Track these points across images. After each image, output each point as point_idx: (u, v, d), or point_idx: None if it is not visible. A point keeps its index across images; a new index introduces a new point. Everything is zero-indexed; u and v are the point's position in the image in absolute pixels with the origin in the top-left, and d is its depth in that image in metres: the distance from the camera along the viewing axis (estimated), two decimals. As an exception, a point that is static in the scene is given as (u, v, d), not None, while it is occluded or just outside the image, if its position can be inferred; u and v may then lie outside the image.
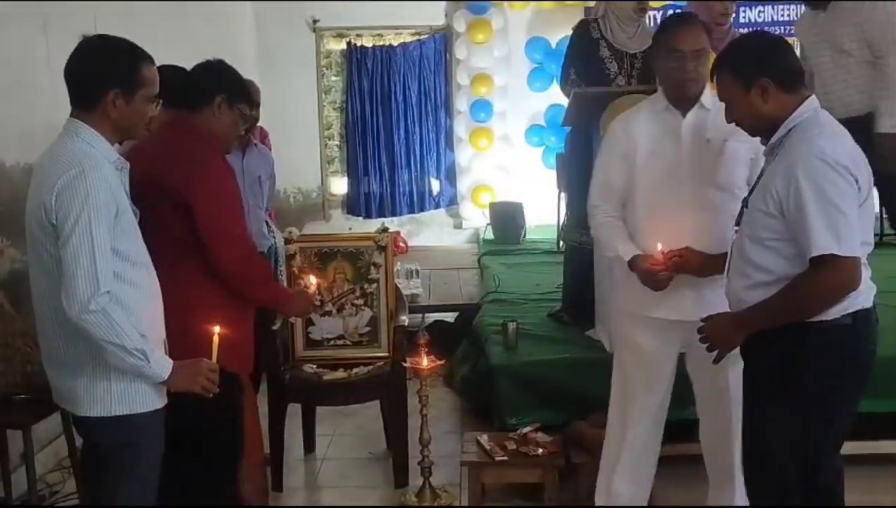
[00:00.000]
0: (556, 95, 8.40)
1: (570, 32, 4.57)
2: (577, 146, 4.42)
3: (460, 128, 8.91)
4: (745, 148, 2.74)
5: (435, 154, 9.04)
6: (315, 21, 8.77)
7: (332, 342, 3.91)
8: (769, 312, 2.33)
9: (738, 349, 2.50)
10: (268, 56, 8.59)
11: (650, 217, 2.85)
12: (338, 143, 9.10)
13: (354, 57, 8.87)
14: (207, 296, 2.69)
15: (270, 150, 5.54)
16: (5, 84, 3.78)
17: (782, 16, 8.52)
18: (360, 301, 3.91)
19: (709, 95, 2.79)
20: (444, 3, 8.87)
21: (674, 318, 2.83)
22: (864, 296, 2.31)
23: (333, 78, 9.06)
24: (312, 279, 3.19)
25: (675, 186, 2.80)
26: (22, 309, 3.42)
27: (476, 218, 8.86)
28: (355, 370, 3.78)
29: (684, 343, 2.89)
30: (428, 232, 9.03)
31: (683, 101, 2.80)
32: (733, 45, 2.47)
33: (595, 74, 4.24)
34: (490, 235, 8.16)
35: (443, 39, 8.94)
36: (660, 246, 2.73)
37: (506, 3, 8.73)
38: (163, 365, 2.21)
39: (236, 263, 2.72)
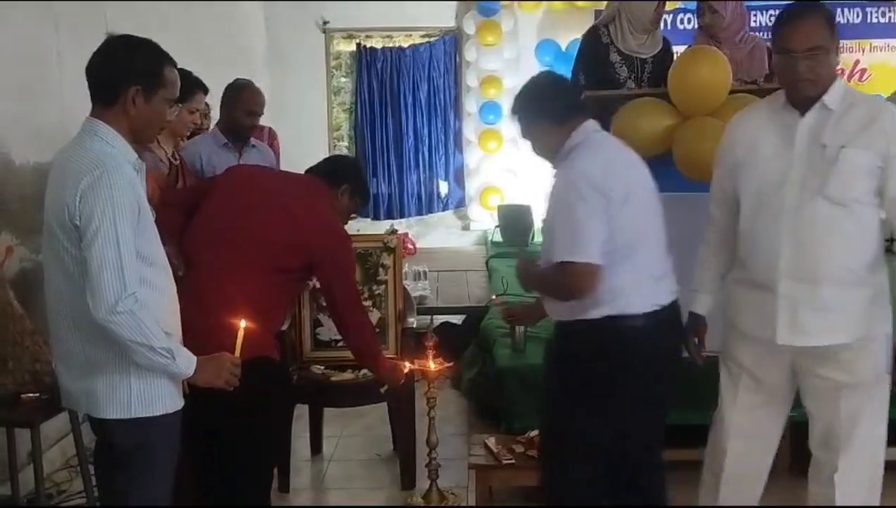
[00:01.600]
0: (566, 98, 8.41)
1: (580, 35, 4.55)
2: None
3: (469, 130, 8.92)
4: (867, 156, 2.43)
5: (443, 156, 9.05)
6: (325, 22, 8.79)
7: (340, 343, 3.89)
8: (540, 282, 2.75)
9: (856, 377, 2.53)
10: (277, 57, 8.61)
11: (752, 225, 2.58)
12: (347, 144, 9.11)
13: (364, 58, 8.89)
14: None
15: (279, 151, 5.56)
16: (16, 83, 3.78)
17: (793, 19, 8.51)
18: (369, 303, 3.89)
19: (837, 95, 2.48)
20: (454, 4, 8.88)
21: (765, 337, 2.58)
22: (642, 299, 2.56)
23: (343, 79, 9.08)
24: (407, 364, 3.41)
25: (780, 193, 2.50)
26: (31, 307, 3.42)
27: (484, 220, 8.86)
28: (363, 371, 3.77)
29: (789, 369, 2.65)
30: (436, 234, 9.04)
31: (801, 101, 2.50)
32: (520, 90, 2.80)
33: (604, 79, 4.20)
34: (498, 237, 8.15)
35: (452, 41, 8.95)
36: (493, 296, 2.92)
37: (516, 2, 8.70)
38: (188, 362, 2.22)
39: (358, 314, 3.17)
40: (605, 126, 3.86)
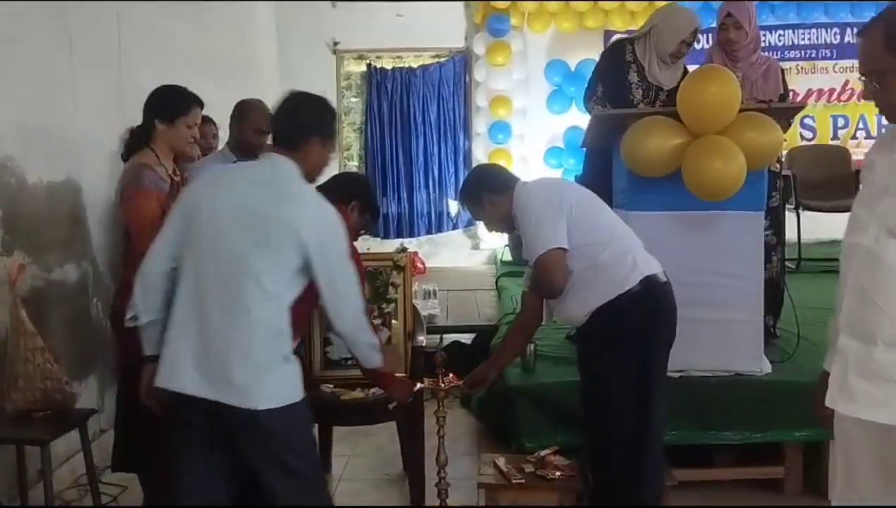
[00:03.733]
0: (575, 118, 8.42)
1: (589, 55, 4.54)
2: (595, 169, 4.36)
3: (479, 150, 8.93)
4: None
5: (453, 176, 9.06)
6: (335, 43, 8.85)
7: (349, 362, 3.89)
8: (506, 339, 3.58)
9: None
10: (288, 77, 8.64)
11: (845, 263, 2.10)
12: (357, 164, 9.14)
13: (374, 79, 8.94)
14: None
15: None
16: (30, 103, 3.82)
17: (802, 39, 8.51)
18: (378, 321, 3.90)
19: None
20: (463, 25, 8.93)
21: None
22: (639, 269, 2.97)
23: (353, 99, 9.12)
24: (419, 385, 3.39)
25: (863, 227, 2.02)
26: (42, 325, 3.44)
27: (493, 239, 8.84)
28: (373, 390, 3.76)
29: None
30: (445, 253, 9.03)
31: None
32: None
33: (618, 97, 4.15)
34: (507, 256, 8.14)
35: (462, 62, 8.99)
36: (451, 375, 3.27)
37: (526, 4, 8.65)
38: (382, 353, 2.72)
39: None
40: (616, 144, 3.90)
